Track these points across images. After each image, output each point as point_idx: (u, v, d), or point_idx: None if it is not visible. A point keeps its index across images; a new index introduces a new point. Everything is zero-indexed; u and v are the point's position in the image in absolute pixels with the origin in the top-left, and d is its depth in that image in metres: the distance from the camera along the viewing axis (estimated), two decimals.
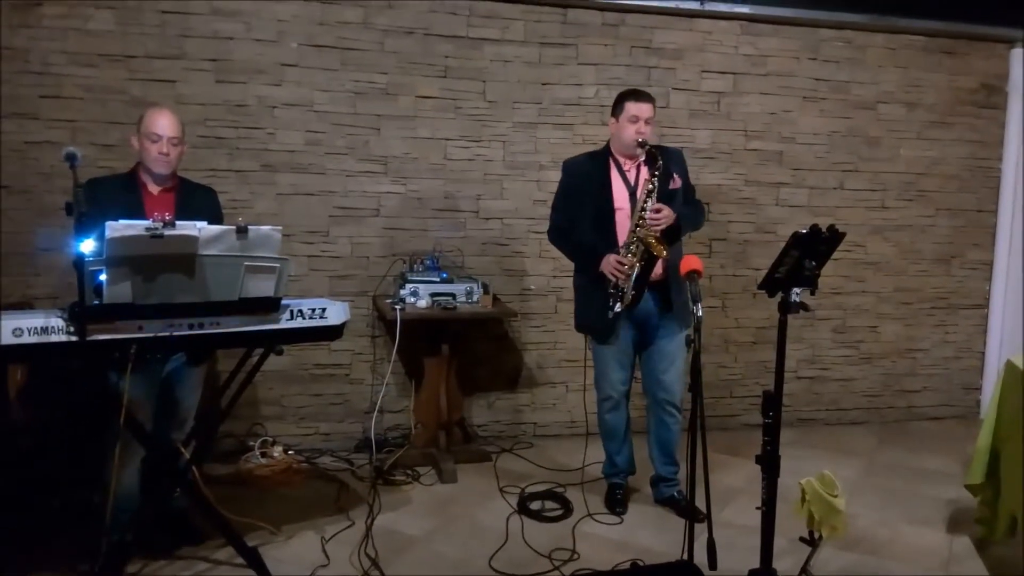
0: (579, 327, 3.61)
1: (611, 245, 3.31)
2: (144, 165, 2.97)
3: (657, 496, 3.64)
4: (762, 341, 4.81)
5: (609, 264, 3.27)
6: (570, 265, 4.51)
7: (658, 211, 3.20)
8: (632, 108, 3.31)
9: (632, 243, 3.24)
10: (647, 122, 3.31)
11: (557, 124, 4.45)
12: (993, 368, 5.13)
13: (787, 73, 4.74)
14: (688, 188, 3.51)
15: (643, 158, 3.30)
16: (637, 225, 3.23)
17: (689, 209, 3.42)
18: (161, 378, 2.97)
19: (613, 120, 3.40)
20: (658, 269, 3.29)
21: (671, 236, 3.29)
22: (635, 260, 3.22)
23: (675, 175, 3.37)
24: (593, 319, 3.44)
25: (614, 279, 3.27)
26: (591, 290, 3.42)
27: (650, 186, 3.23)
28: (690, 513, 2.80)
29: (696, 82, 4.59)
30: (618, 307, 3.31)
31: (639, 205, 3.24)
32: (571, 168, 3.52)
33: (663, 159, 3.26)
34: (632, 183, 3.37)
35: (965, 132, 5.06)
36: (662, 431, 3.53)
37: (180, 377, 3.02)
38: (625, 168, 3.40)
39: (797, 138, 4.80)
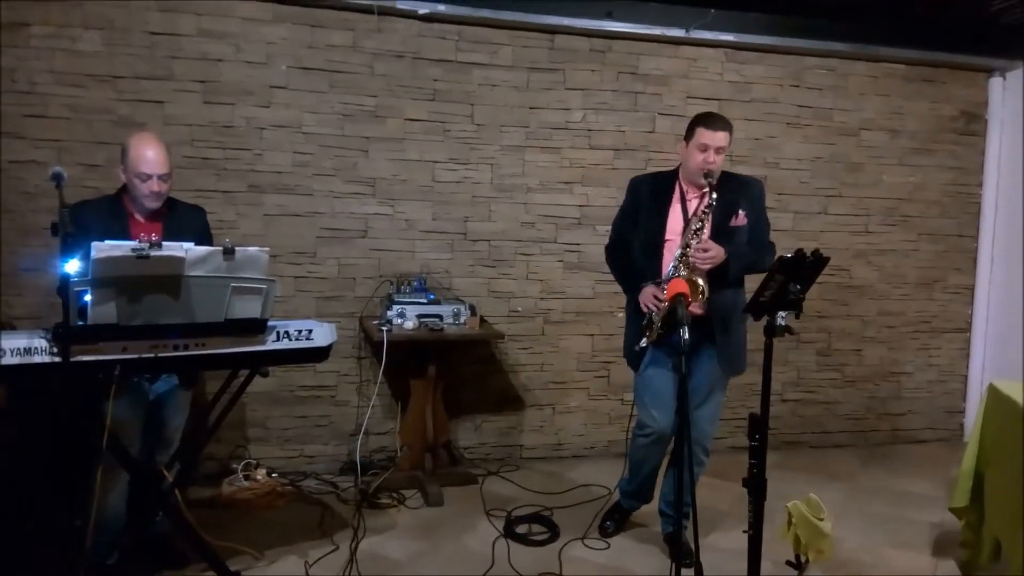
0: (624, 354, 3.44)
1: (656, 274, 3.15)
2: (130, 195, 2.90)
3: (662, 530, 3.53)
4: (748, 364, 4.81)
5: (646, 296, 3.14)
6: (555, 288, 4.56)
7: (705, 250, 2.99)
8: (703, 136, 3.07)
9: (675, 277, 3.03)
10: (718, 151, 3.07)
11: (544, 148, 4.48)
12: (976, 391, 5.18)
13: (771, 100, 4.80)
14: (759, 225, 3.23)
15: (712, 194, 3.05)
16: (680, 261, 3.06)
17: (750, 249, 3.15)
18: (150, 400, 2.94)
19: (683, 144, 3.18)
20: (696, 307, 3.05)
21: (721, 276, 3.08)
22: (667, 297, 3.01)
23: (740, 211, 3.14)
24: (626, 349, 3.35)
25: (647, 311, 3.14)
26: (631, 318, 3.31)
27: (698, 223, 3.04)
28: (677, 545, 2.76)
29: (682, 108, 4.64)
30: (644, 342, 3.19)
31: (686, 240, 3.06)
32: (635, 188, 3.35)
33: (730, 192, 3.09)
34: (691, 213, 3.15)
35: (946, 159, 5.14)
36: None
37: (168, 398, 2.99)
38: (688, 196, 3.19)
39: (781, 163, 4.86)
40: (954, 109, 5.12)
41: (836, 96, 4.91)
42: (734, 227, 3.14)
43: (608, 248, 3.46)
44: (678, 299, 2.66)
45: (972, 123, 5.16)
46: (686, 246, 3.05)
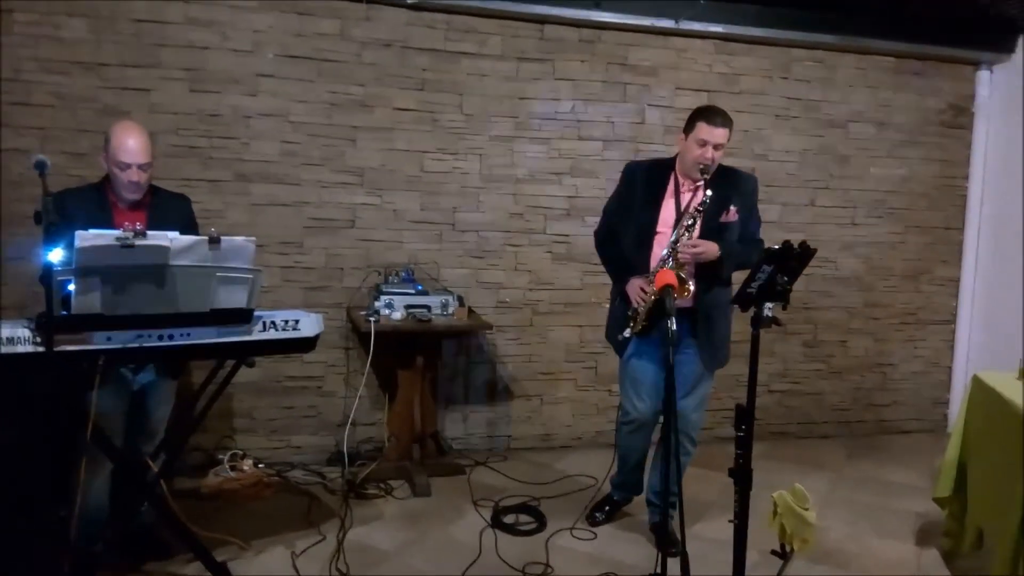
0: (606, 336, 3.48)
1: (645, 266, 3.16)
2: (112, 183, 2.89)
3: (649, 519, 3.54)
4: (734, 355, 4.77)
5: (633, 288, 3.15)
6: (544, 279, 4.56)
7: (695, 246, 3.02)
8: (703, 131, 3.05)
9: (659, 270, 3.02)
10: (716, 147, 3.05)
11: (534, 138, 4.47)
12: (960, 383, 5.22)
13: (760, 91, 4.81)
14: (750, 222, 3.24)
15: (702, 183, 3.06)
16: (669, 255, 3.06)
17: (741, 247, 3.14)
18: (133, 390, 2.92)
19: (682, 136, 3.16)
20: (688, 300, 3.08)
21: (711, 272, 3.11)
22: (654, 290, 3.02)
23: (732, 207, 3.14)
24: (610, 333, 3.38)
25: (635, 304, 3.15)
26: (617, 303, 3.33)
27: (689, 220, 3.04)
28: (663, 535, 2.78)
29: (671, 99, 4.64)
30: (627, 332, 3.21)
31: (676, 235, 3.05)
32: (630, 174, 3.33)
33: (724, 187, 3.09)
34: (684, 208, 3.14)
35: (933, 151, 5.17)
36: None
37: (152, 388, 2.97)
38: (683, 189, 3.18)
39: (769, 155, 4.87)
40: (942, 102, 5.14)
41: (824, 88, 4.91)
42: (725, 223, 3.15)
43: (597, 234, 3.46)
44: (666, 290, 2.66)
45: (959, 116, 5.17)
46: (676, 241, 3.05)
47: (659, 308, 3.04)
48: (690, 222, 3.05)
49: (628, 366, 3.33)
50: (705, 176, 3.03)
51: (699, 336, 3.19)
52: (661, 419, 3.36)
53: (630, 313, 3.19)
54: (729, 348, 3.38)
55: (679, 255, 3.03)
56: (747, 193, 3.25)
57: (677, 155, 3.25)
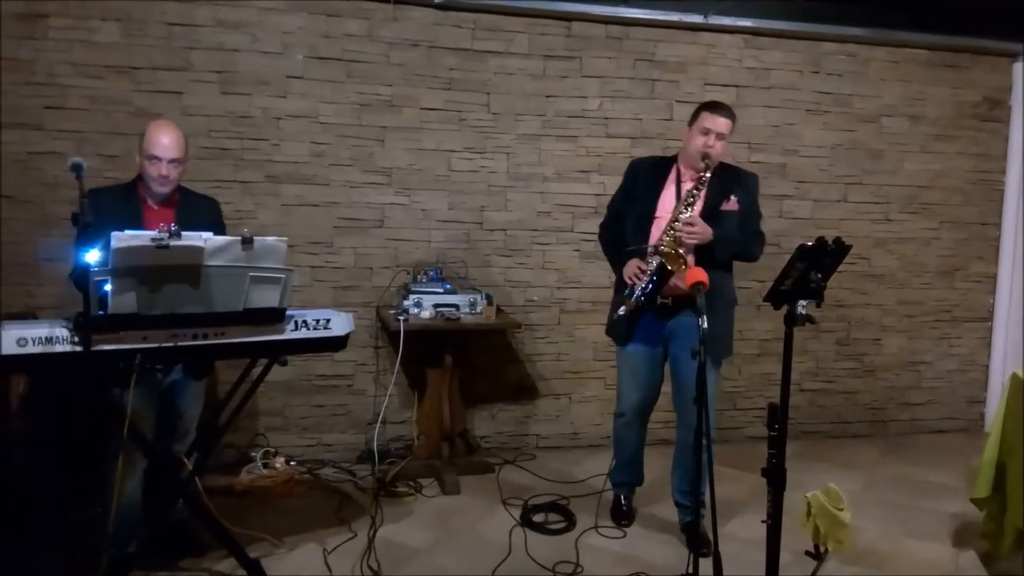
0: (606, 332, 3.52)
1: (644, 251, 3.19)
2: (144, 182, 2.96)
3: (680, 520, 3.50)
4: (766, 353, 4.80)
5: (629, 268, 3.18)
6: (572, 278, 4.55)
7: (691, 224, 3.05)
8: (706, 120, 3.15)
9: (659, 247, 3.10)
10: (719, 137, 3.14)
11: (561, 136, 4.46)
12: (997, 381, 5.12)
13: (790, 86, 4.75)
14: (750, 215, 3.28)
15: (704, 173, 3.12)
16: (667, 233, 3.10)
17: (737, 236, 3.20)
18: (162, 389, 2.96)
19: (687, 129, 3.26)
20: (681, 283, 3.04)
21: (708, 257, 3.09)
22: (652, 267, 3.10)
23: (733, 196, 3.21)
24: (610, 328, 3.41)
25: (630, 283, 3.17)
26: (617, 292, 3.36)
27: (690, 198, 3.10)
28: (695, 535, 2.76)
29: (699, 95, 4.59)
30: (622, 310, 3.21)
31: (675, 215, 3.11)
32: (633, 169, 3.44)
33: (726, 180, 3.19)
34: (686, 192, 3.19)
35: (968, 145, 5.07)
36: (684, 458, 3.32)
37: (182, 388, 3.01)
38: (683, 179, 3.26)
39: (800, 151, 4.81)
40: (976, 95, 5.04)
41: (856, 82, 4.85)
42: (725, 211, 3.21)
43: (602, 225, 3.55)
44: (697, 287, 2.63)
45: (995, 109, 5.08)
46: (675, 220, 3.10)
47: (658, 284, 3.10)
48: (690, 201, 3.12)
49: (623, 357, 3.40)
50: (707, 163, 3.10)
51: (700, 329, 3.17)
52: (676, 419, 3.40)
53: (626, 293, 3.21)
54: (731, 341, 3.40)
55: (677, 233, 3.07)
56: (748, 187, 3.32)
57: (679, 152, 3.32)
